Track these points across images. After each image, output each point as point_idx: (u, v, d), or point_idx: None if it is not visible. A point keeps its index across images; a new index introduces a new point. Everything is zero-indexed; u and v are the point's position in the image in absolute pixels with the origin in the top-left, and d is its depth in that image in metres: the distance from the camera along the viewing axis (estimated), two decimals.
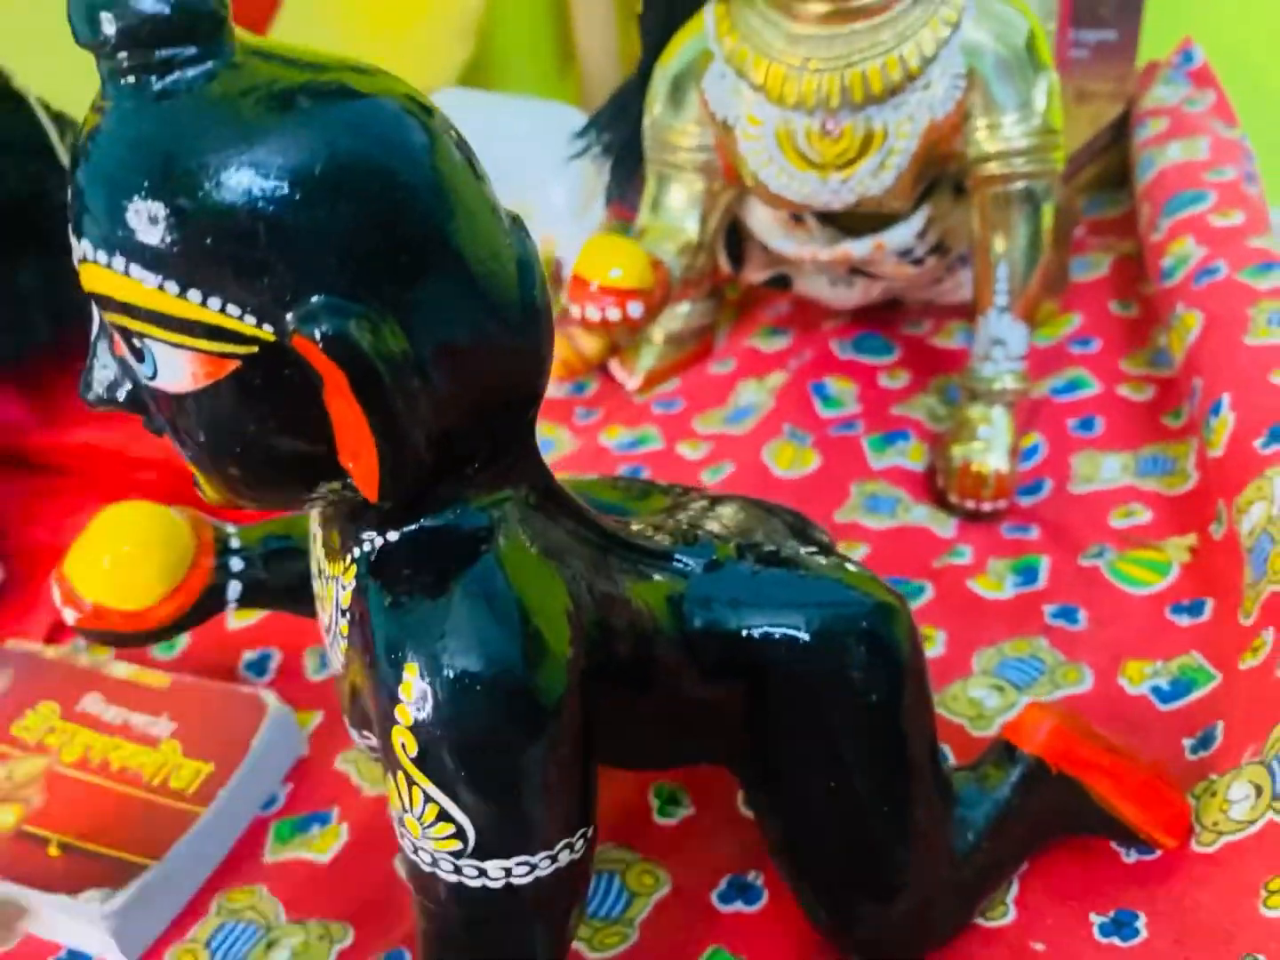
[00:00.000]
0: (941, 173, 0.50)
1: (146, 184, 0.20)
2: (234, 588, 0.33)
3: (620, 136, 0.58)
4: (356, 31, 0.74)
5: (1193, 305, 0.51)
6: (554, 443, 0.58)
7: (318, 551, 0.28)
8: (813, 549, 0.32)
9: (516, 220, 0.25)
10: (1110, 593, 0.43)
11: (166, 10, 0.19)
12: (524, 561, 0.25)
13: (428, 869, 0.25)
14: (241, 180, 0.20)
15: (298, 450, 0.23)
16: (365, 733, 0.28)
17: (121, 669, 0.45)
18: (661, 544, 0.29)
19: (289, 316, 0.21)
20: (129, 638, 0.32)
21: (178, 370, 0.22)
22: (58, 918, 0.37)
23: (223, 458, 0.23)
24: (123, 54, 0.20)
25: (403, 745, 0.24)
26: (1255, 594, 0.39)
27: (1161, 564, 0.44)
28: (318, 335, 0.20)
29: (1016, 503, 0.49)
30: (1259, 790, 0.33)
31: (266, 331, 0.21)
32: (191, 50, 0.20)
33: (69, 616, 0.31)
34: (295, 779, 0.41)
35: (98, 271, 0.22)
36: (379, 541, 0.25)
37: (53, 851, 0.38)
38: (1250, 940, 0.30)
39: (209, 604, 0.32)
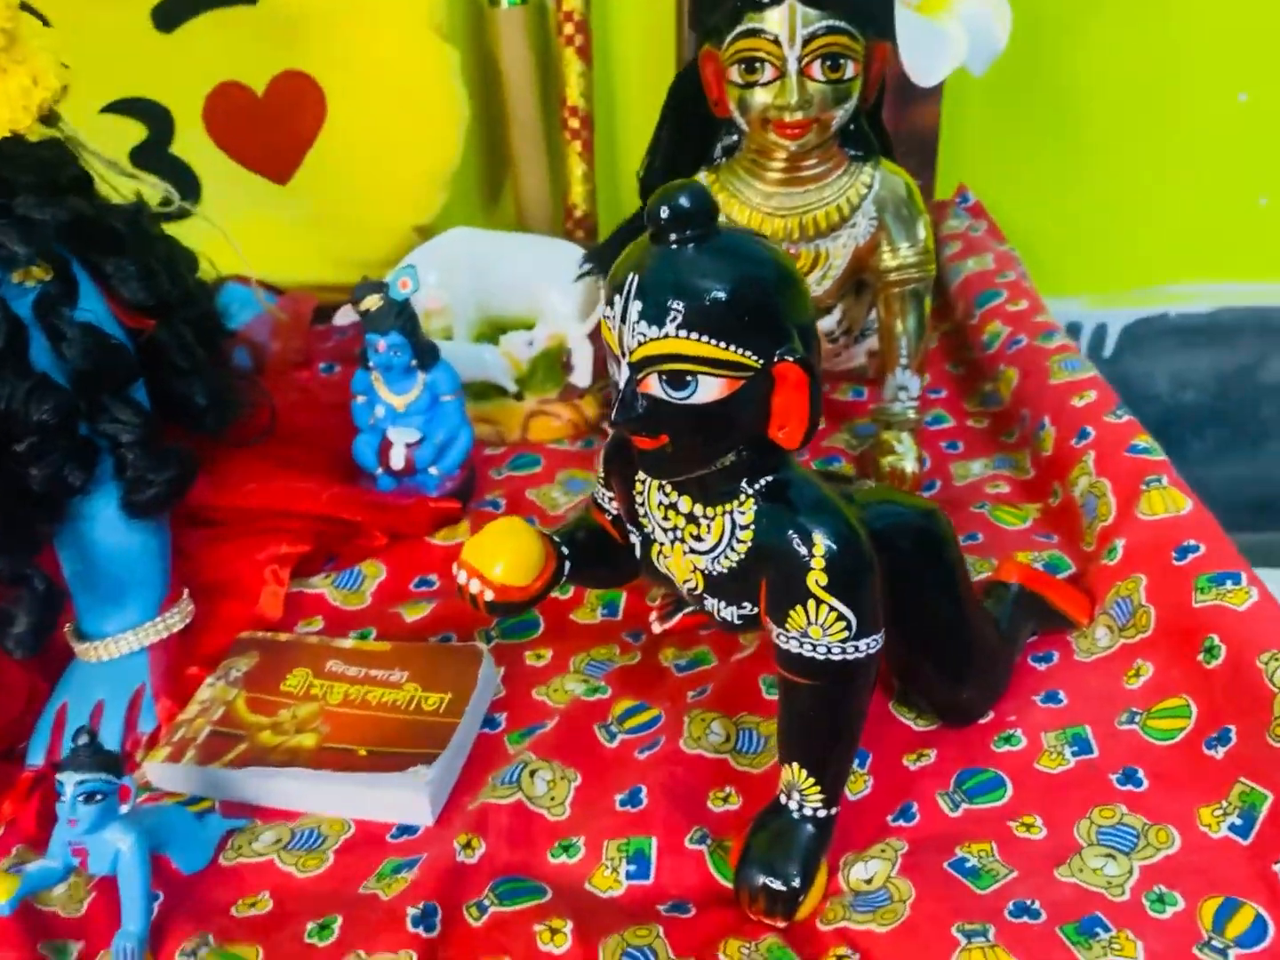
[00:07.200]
0: (854, 280, 0.75)
1: (694, 291, 0.38)
2: (567, 567, 0.48)
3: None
4: (368, 175, 0.92)
5: (1010, 364, 0.78)
6: (585, 483, 0.77)
7: (660, 513, 0.45)
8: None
9: None
10: (991, 526, 0.68)
11: (692, 208, 0.38)
12: (820, 485, 0.44)
13: (822, 657, 0.42)
14: (740, 287, 0.38)
15: (748, 429, 0.40)
16: (739, 604, 0.45)
17: (346, 642, 0.60)
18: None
19: (776, 352, 0.39)
20: (516, 607, 0.46)
21: (711, 389, 0.38)
22: (383, 796, 0.51)
23: (707, 440, 0.40)
24: (669, 227, 0.38)
25: (816, 581, 0.41)
26: (1092, 530, 0.64)
27: (1023, 515, 0.69)
28: (796, 359, 0.38)
29: (923, 494, 0.73)
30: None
31: (758, 363, 0.39)
32: (699, 229, 0.38)
33: (487, 595, 0.45)
34: (506, 708, 0.58)
35: (657, 343, 0.38)
36: (764, 482, 0.43)
37: (361, 753, 0.53)
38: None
39: (556, 580, 0.48)
